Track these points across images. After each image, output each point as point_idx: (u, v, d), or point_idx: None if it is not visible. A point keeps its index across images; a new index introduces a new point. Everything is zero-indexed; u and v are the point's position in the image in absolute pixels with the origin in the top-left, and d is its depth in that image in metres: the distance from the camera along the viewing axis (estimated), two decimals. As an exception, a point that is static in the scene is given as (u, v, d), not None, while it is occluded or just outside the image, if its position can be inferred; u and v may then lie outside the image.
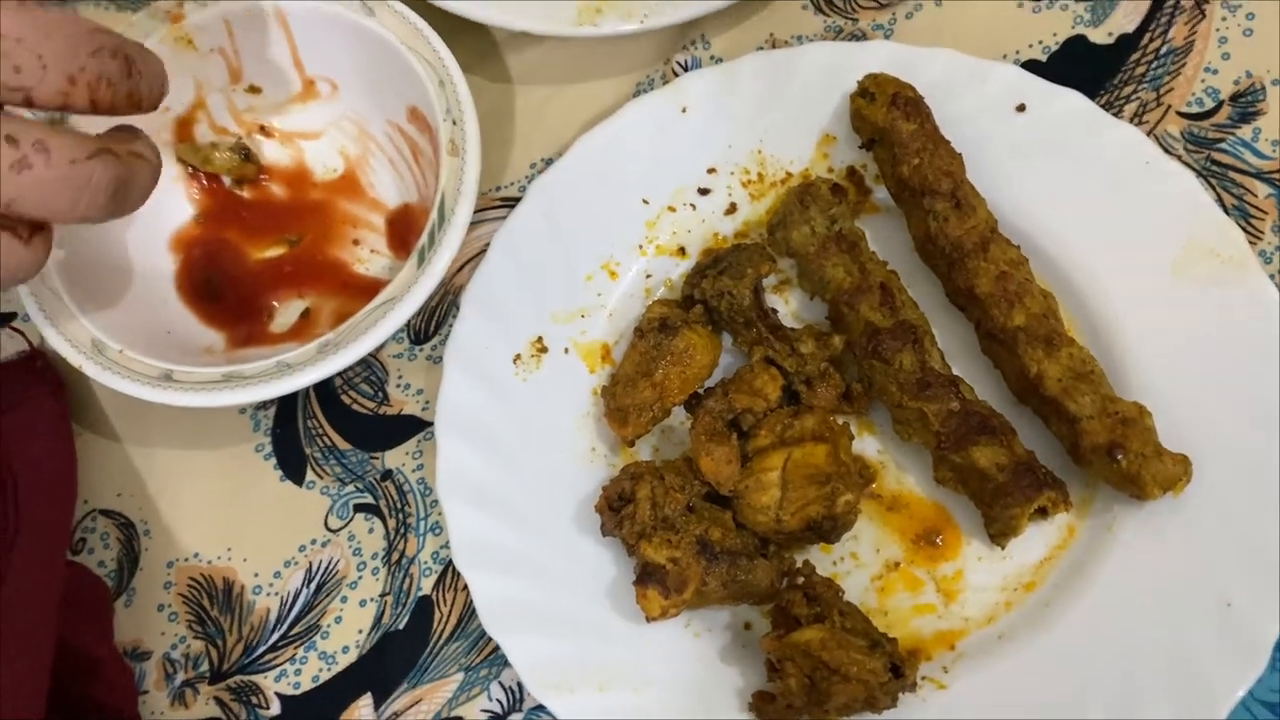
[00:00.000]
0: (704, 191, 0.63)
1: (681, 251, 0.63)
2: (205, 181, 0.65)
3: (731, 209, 0.63)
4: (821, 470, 0.53)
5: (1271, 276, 0.56)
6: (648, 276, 0.62)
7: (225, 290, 0.64)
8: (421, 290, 0.56)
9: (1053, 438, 0.56)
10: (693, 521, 0.54)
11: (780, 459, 0.54)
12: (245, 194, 0.66)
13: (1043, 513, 0.54)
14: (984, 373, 0.58)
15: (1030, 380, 0.55)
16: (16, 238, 0.45)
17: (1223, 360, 0.55)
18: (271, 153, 0.66)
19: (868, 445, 0.58)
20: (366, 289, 0.63)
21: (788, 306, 0.62)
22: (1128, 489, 0.53)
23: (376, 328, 0.55)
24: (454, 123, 0.59)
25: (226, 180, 0.65)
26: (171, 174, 0.64)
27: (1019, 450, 0.54)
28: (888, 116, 0.59)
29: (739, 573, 0.54)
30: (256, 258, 0.65)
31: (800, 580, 0.54)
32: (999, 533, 0.54)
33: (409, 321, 0.62)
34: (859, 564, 0.56)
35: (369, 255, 0.65)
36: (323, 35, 0.63)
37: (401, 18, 0.61)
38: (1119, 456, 0.52)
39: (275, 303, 0.64)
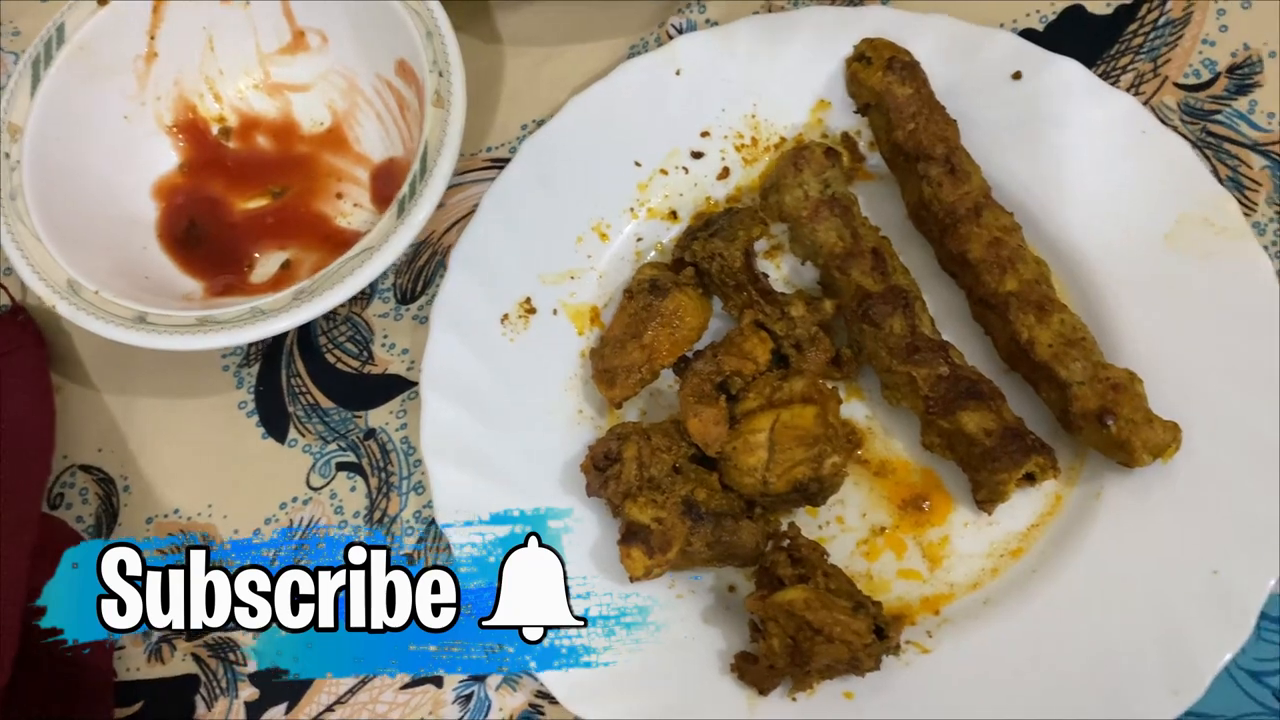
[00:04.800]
0: (697, 155, 0.62)
1: (673, 215, 0.62)
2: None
3: (724, 173, 0.62)
4: (809, 432, 0.53)
5: (1265, 248, 0.55)
6: (638, 240, 0.62)
7: (206, 240, 0.63)
8: (400, 240, 0.55)
9: (1041, 406, 0.56)
10: (679, 483, 0.54)
11: (768, 421, 0.54)
12: (232, 145, 0.65)
13: (1030, 479, 0.53)
14: (975, 340, 0.57)
15: (1021, 346, 0.54)
16: None
17: (1213, 330, 0.54)
18: (259, 104, 0.65)
19: (856, 410, 0.58)
20: (348, 242, 0.63)
21: (779, 272, 0.61)
22: (1117, 455, 0.53)
23: (353, 276, 0.55)
24: (440, 74, 0.58)
25: (214, 129, 0.65)
26: (153, 121, 0.64)
27: (1008, 416, 0.54)
28: (883, 80, 0.58)
29: (724, 534, 0.53)
30: (240, 209, 0.64)
31: (785, 542, 0.53)
32: (986, 499, 0.54)
33: (394, 280, 0.62)
34: (845, 528, 0.56)
35: (352, 209, 0.64)
36: (314, -14, 0.62)
37: (392, -31, 0.60)
38: (1109, 422, 0.52)
39: (256, 254, 0.63)
